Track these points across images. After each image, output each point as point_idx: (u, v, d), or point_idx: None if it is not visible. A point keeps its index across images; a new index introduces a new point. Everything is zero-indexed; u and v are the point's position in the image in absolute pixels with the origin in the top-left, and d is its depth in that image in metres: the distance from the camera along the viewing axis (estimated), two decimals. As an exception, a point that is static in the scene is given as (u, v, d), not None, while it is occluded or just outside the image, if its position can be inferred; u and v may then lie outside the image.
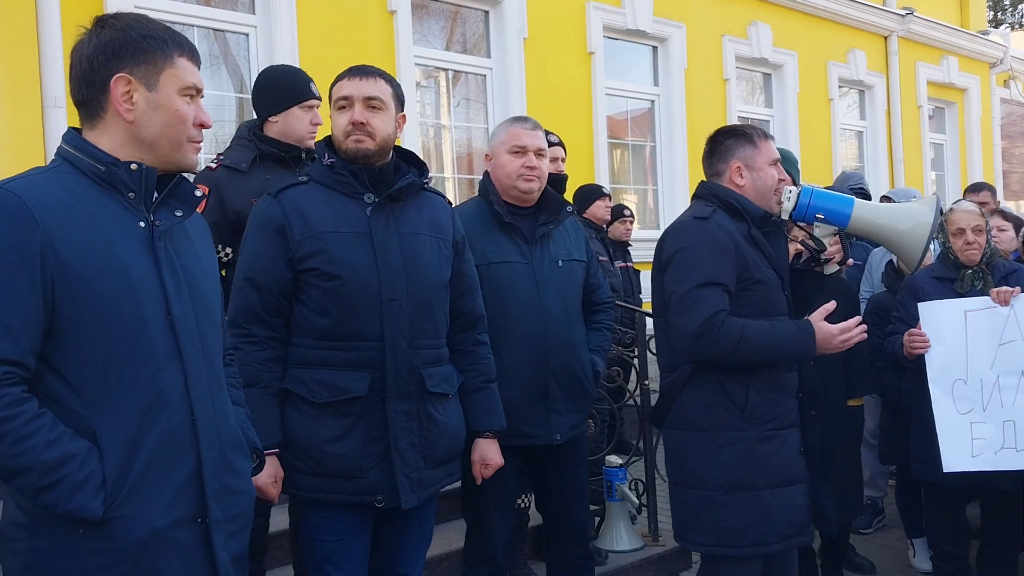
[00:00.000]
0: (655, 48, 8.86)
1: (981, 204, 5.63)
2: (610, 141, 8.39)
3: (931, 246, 4.33)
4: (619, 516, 4.39)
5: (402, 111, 2.58)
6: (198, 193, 1.89)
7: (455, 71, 7.58)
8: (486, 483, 2.80)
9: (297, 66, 3.78)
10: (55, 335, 1.68)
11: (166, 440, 1.74)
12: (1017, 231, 4.68)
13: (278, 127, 3.19)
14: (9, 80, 4.98)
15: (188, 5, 5.91)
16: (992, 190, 6.09)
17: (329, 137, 2.61)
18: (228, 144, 3.30)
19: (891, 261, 4.59)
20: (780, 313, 2.76)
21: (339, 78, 2.57)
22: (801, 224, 2.76)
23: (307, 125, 3.19)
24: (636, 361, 4.46)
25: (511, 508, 3.15)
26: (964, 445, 3.55)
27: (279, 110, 3.17)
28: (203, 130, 1.87)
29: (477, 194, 3.19)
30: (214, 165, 3.10)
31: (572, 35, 7.93)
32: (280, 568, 3.46)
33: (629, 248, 6.76)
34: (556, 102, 7.56)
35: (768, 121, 10.09)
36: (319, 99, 3.20)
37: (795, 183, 3.71)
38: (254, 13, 6.21)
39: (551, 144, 4.06)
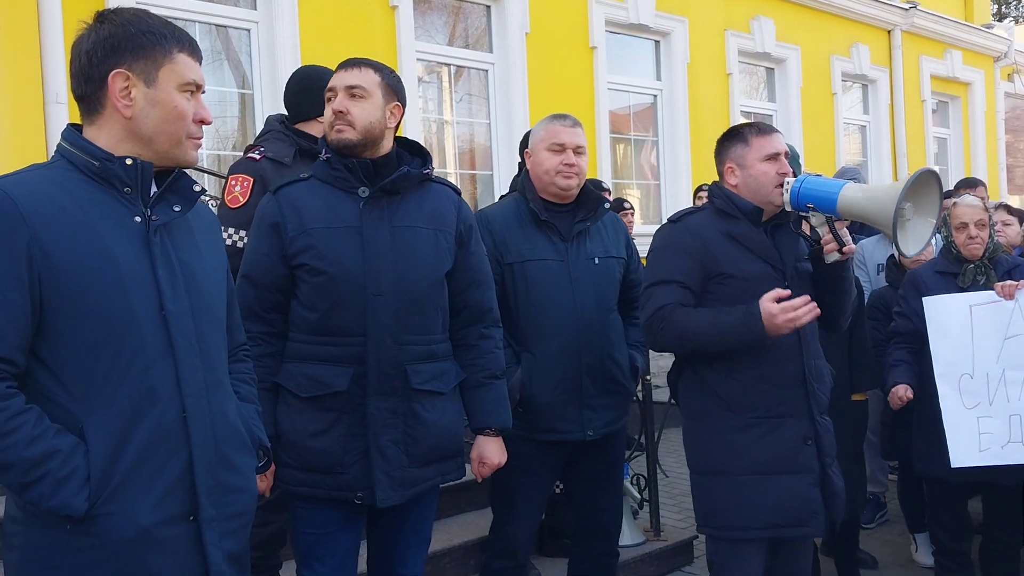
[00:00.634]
0: (657, 43, 8.85)
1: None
2: (612, 136, 8.39)
3: (933, 239, 4.35)
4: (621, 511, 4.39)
5: (396, 101, 2.54)
6: (197, 188, 1.88)
7: (457, 66, 7.57)
8: (518, 475, 2.80)
9: (310, 64, 3.76)
10: (44, 331, 1.67)
11: (156, 437, 1.72)
12: (1022, 225, 4.67)
13: (324, 127, 3.21)
14: (11, 76, 4.98)
15: (190, 1, 5.90)
16: (984, 186, 6.08)
17: None
18: (260, 137, 3.31)
19: (892, 255, 4.58)
20: None
21: (335, 72, 2.57)
22: (803, 214, 2.74)
23: None
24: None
25: (540, 503, 3.15)
26: (971, 440, 3.54)
27: None
28: (204, 126, 1.87)
29: (517, 192, 3.19)
30: (257, 156, 3.11)
31: (574, 30, 7.93)
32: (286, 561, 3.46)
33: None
34: (558, 97, 7.55)
35: (771, 116, 10.07)
36: None
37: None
38: (256, 9, 6.21)
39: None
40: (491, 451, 2.70)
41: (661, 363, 6.17)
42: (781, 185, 2.77)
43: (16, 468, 1.62)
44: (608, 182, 7.51)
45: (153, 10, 1.95)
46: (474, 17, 7.66)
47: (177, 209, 1.84)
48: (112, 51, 1.75)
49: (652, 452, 4.44)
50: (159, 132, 1.79)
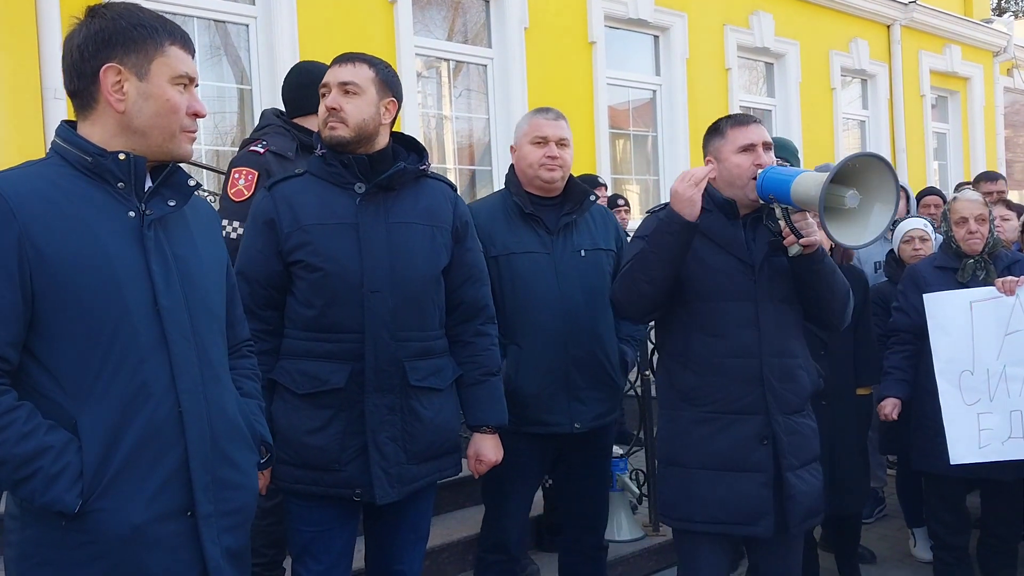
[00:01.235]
0: (656, 38, 8.84)
1: (999, 192, 5.64)
2: (612, 131, 8.38)
3: (926, 230, 4.32)
4: (620, 506, 4.39)
5: (391, 97, 2.52)
6: (192, 182, 1.87)
7: (456, 61, 7.56)
8: (506, 469, 2.78)
9: (308, 60, 3.75)
10: (37, 326, 1.67)
11: (150, 432, 1.71)
12: (1020, 220, 4.66)
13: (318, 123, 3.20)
14: (9, 72, 4.97)
15: (188, -4, 5.89)
16: (1005, 180, 6.08)
17: None
18: (258, 130, 3.28)
19: (892, 250, 4.58)
20: (740, 298, 2.71)
21: (329, 67, 2.56)
22: (772, 205, 2.68)
23: None
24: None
25: (530, 496, 3.15)
26: (971, 437, 3.54)
27: None
28: (199, 120, 1.86)
29: (504, 187, 3.19)
30: (261, 150, 3.09)
31: (573, 25, 7.91)
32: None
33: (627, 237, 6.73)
34: (557, 92, 7.53)
35: (770, 111, 10.07)
36: None
37: None
38: (254, 4, 6.19)
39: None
40: (488, 448, 2.70)
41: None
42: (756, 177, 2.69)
43: (7, 465, 1.61)
44: (607, 177, 7.51)
45: (152, 6, 1.95)
46: (473, 12, 7.65)
47: (172, 204, 1.82)
48: (103, 45, 1.74)
49: (650, 447, 4.44)
50: (152, 126, 1.78)
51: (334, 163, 2.48)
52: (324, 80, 2.51)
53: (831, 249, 3.83)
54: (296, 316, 2.47)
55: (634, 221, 7.97)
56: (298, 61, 3.71)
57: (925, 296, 3.71)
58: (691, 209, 2.57)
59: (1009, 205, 4.94)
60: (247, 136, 3.38)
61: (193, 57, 1.86)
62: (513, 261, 2.99)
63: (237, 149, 3.35)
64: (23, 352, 1.67)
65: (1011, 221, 4.67)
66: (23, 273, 1.63)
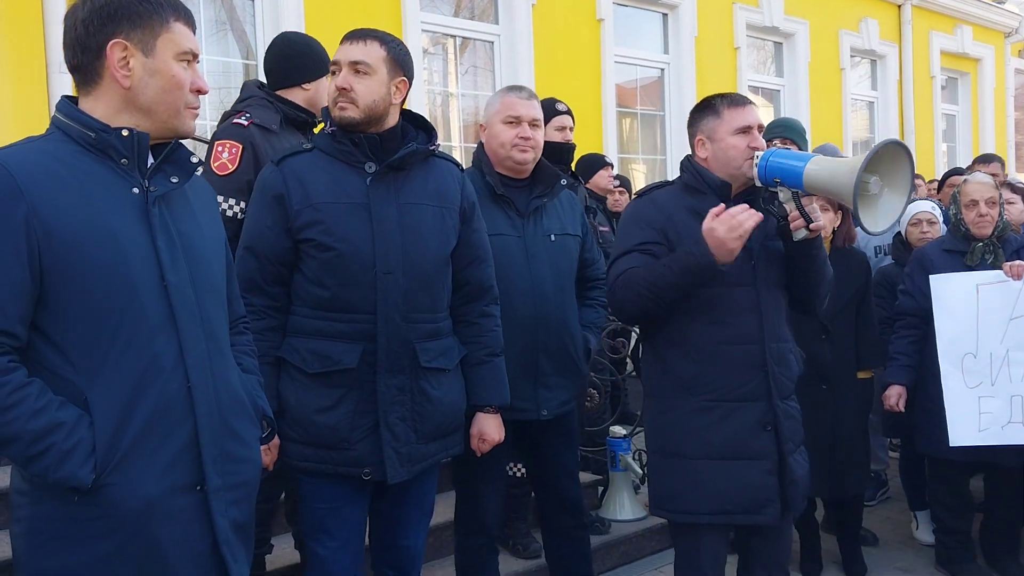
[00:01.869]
0: (665, 15, 8.76)
1: (992, 175, 5.58)
2: (619, 110, 8.32)
3: (933, 212, 4.30)
4: (622, 486, 4.41)
5: (403, 76, 2.48)
6: (194, 159, 1.86)
7: (463, 38, 7.50)
8: (475, 457, 2.77)
9: (305, 32, 3.71)
10: (46, 303, 1.67)
11: (160, 408, 1.73)
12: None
13: (309, 95, 3.15)
14: (13, 46, 4.95)
15: (193, -31, 5.85)
16: (1001, 162, 6.03)
17: None
18: (240, 102, 3.19)
19: (899, 233, 4.56)
20: (742, 284, 2.67)
21: (340, 43, 2.52)
22: (772, 188, 2.65)
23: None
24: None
25: (501, 479, 3.13)
26: (971, 419, 3.54)
27: (316, 77, 3.13)
28: (201, 95, 1.85)
29: (471, 165, 3.13)
30: (245, 122, 2.99)
31: (581, 2, 7.84)
32: (281, 535, 3.48)
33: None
34: (564, 70, 7.49)
35: (779, 91, 10.00)
36: None
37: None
38: (260, -23, 6.14)
39: (559, 112, 4.01)
40: (491, 428, 2.71)
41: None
42: (752, 159, 2.66)
43: (20, 441, 1.62)
44: (613, 157, 7.46)
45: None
46: (480, -12, 7.59)
47: (175, 180, 1.82)
48: (109, 20, 1.73)
49: (654, 428, 4.45)
50: (158, 102, 1.78)
51: (344, 141, 2.46)
52: (335, 58, 2.47)
53: (833, 232, 3.82)
54: (306, 294, 2.46)
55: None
56: (282, 31, 3.58)
57: (931, 277, 3.70)
58: (729, 258, 2.49)
59: (1014, 188, 4.90)
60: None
61: (195, 33, 1.85)
62: None
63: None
64: (32, 330, 1.68)
65: (1016, 204, 4.64)
66: (31, 250, 1.64)
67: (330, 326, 2.43)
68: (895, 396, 3.85)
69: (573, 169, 4.46)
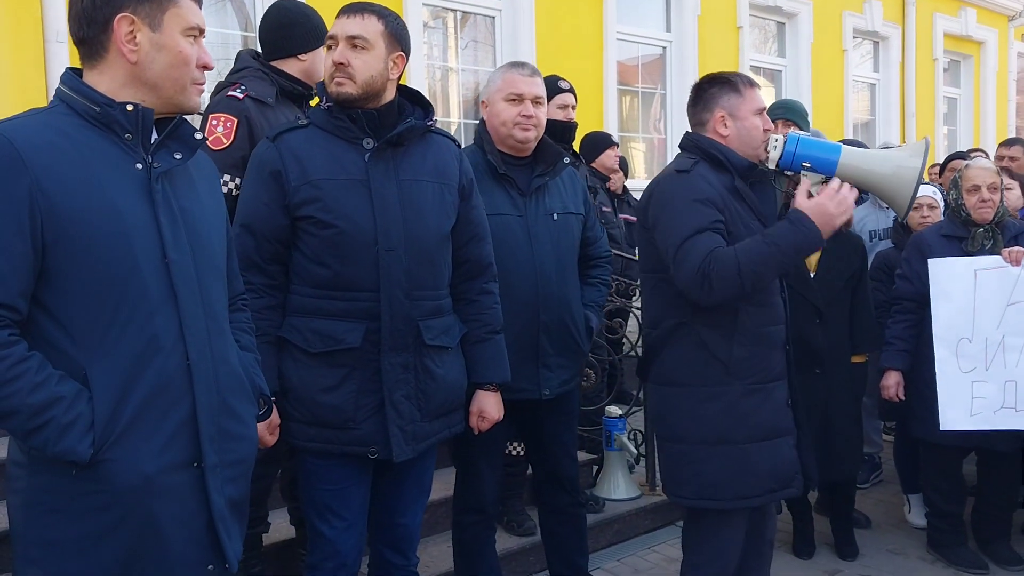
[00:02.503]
0: (668, -7, 8.70)
1: (1011, 159, 5.54)
2: (619, 88, 8.28)
3: (935, 197, 4.32)
4: (617, 465, 4.43)
5: (400, 51, 2.45)
6: (198, 136, 1.85)
7: (463, 12, 7.44)
8: (474, 435, 2.77)
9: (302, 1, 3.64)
10: (48, 277, 1.66)
11: (160, 384, 1.73)
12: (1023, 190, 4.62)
13: (305, 66, 3.09)
14: (10, 15, 4.89)
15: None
16: (1022, 145, 5.94)
17: None
18: (234, 73, 3.11)
19: (897, 217, 4.54)
20: None
21: (336, 17, 2.47)
22: (789, 173, 2.70)
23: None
24: (640, 313, 4.44)
25: (499, 458, 3.14)
26: (964, 404, 3.56)
27: (312, 48, 3.06)
28: (206, 71, 1.83)
29: (472, 143, 3.09)
30: (240, 95, 2.91)
31: (584, -23, 7.78)
32: (275, 510, 3.49)
33: (627, 199, 6.53)
34: (566, 46, 7.43)
35: (780, 71, 9.95)
36: None
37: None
38: (259, -52, 6.08)
39: (562, 90, 3.98)
40: (491, 405, 2.71)
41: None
42: (765, 141, 2.72)
43: (20, 415, 1.62)
44: (614, 135, 7.43)
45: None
46: (482, -38, 7.52)
47: (178, 156, 1.81)
48: None
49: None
50: (165, 77, 1.77)
51: (341, 117, 2.43)
52: (331, 32, 2.44)
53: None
54: (306, 273, 2.44)
55: (641, 180, 7.94)
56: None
57: (930, 261, 3.70)
58: (831, 233, 2.60)
59: (1011, 174, 4.88)
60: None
61: (201, 8, 1.83)
62: None
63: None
64: (33, 303, 1.67)
65: (1013, 190, 4.63)
66: (34, 224, 1.63)
67: (332, 305, 2.41)
68: (894, 385, 3.86)
69: (576, 148, 4.43)
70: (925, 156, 2.58)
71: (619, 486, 4.40)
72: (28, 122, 1.70)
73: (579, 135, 4.50)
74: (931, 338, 3.64)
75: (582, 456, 4.25)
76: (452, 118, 7.34)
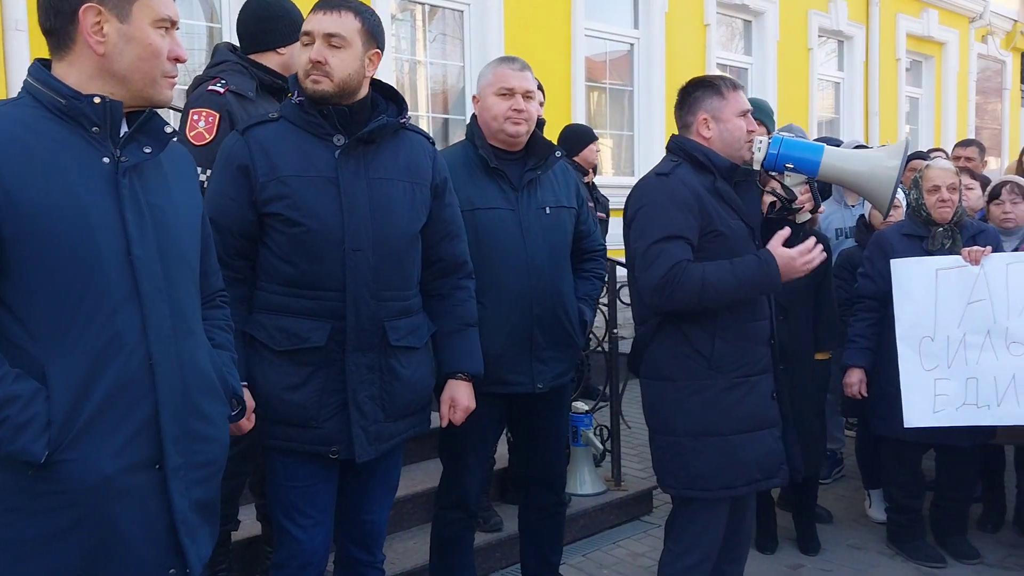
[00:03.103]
0: (636, -10, 8.73)
1: (967, 160, 5.64)
2: (588, 84, 8.30)
3: (897, 196, 4.40)
4: (583, 461, 4.44)
5: (376, 48, 2.43)
6: (169, 129, 1.81)
7: (431, 5, 7.41)
8: (465, 428, 2.76)
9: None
10: (7, 273, 1.62)
11: (120, 384, 1.69)
12: (984, 190, 4.70)
13: (284, 59, 3.06)
14: (-32, 0, 4.79)
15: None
16: (980, 147, 6.05)
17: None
18: (213, 67, 3.08)
19: (862, 215, 4.60)
20: None
21: (311, 12, 2.45)
22: (773, 174, 2.76)
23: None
24: (606, 309, 4.46)
25: (488, 455, 3.14)
26: (927, 401, 3.61)
27: (292, 41, 3.02)
28: (179, 64, 1.80)
29: (465, 137, 3.09)
30: (221, 90, 2.88)
31: (553, -27, 7.78)
32: (244, 506, 3.46)
33: (595, 196, 6.52)
34: (534, 41, 7.43)
35: (747, 69, 10.03)
36: None
37: (769, 133, 3.70)
38: (225, -62, 6.01)
39: (531, 86, 3.98)
40: (462, 394, 2.69)
41: (628, 314, 6.19)
42: (750, 143, 2.80)
43: None
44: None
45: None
46: (451, -45, 7.49)
47: (148, 151, 1.77)
48: None
49: (616, 403, 4.48)
50: (134, 70, 1.73)
51: (312, 112, 2.40)
52: (306, 28, 2.39)
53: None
54: (273, 270, 2.41)
55: (609, 177, 7.97)
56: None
57: (892, 261, 3.75)
58: (792, 277, 2.72)
59: (972, 175, 4.96)
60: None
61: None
62: (478, 217, 2.90)
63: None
64: None
65: (974, 190, 4.71)
66: None
67: (298, 303, 2.39)
68: (856, 383, 3.92)
69: (554, 142, 4.42)
70: (904, 156, 2.66)
71: (585, 482, 4.41)
72: None
73: (550, 131, 4.49)
74: (893, 336, 3.69)
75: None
76: (420, 111, 7.31)
